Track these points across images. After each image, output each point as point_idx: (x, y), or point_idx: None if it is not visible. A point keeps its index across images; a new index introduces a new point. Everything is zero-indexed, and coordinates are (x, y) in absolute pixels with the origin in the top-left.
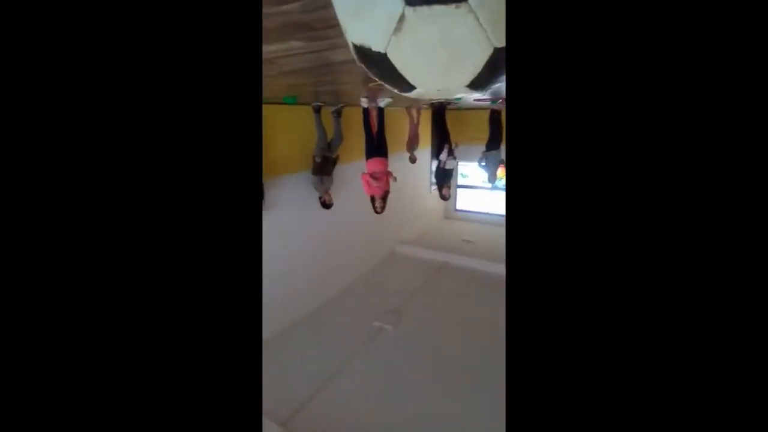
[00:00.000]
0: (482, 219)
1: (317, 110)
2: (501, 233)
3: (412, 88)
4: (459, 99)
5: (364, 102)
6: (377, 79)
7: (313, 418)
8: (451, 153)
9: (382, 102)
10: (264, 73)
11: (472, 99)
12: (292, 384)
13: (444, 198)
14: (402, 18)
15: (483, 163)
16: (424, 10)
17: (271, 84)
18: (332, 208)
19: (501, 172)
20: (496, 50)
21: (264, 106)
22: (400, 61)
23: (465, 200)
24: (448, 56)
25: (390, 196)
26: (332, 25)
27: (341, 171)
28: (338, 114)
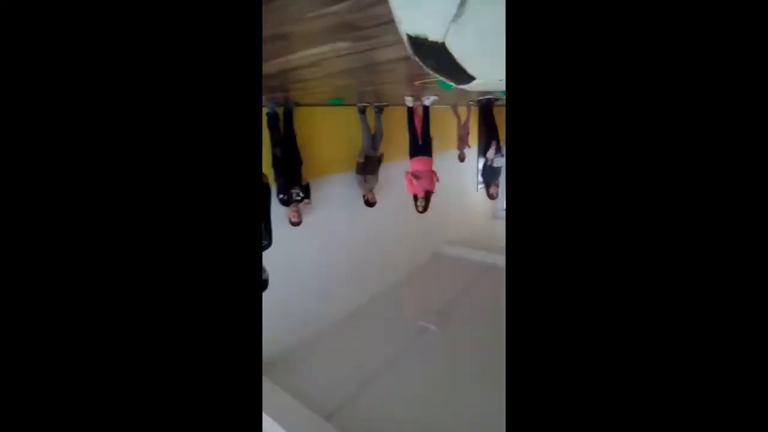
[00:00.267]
0: None
1: (362, 111)
2: None
3: (471, 78)
4: None
5: (409, 101)
6: (432, 72)
7: (358, 414)
8: (498, 150)
9: (427, 100)
10: (311, 75)
11: None
12: (338, 378)
13: (491, 197)
14: (463, 2)
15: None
16: None
17: (317, 86)
18: (377, 206)
19: None
20: None
21: (311, 108)
22: (459, 49)
23: None
24: None
25: (435, 196)
26: (379, 23)
27: (386, 169)
28: (380, 111)
